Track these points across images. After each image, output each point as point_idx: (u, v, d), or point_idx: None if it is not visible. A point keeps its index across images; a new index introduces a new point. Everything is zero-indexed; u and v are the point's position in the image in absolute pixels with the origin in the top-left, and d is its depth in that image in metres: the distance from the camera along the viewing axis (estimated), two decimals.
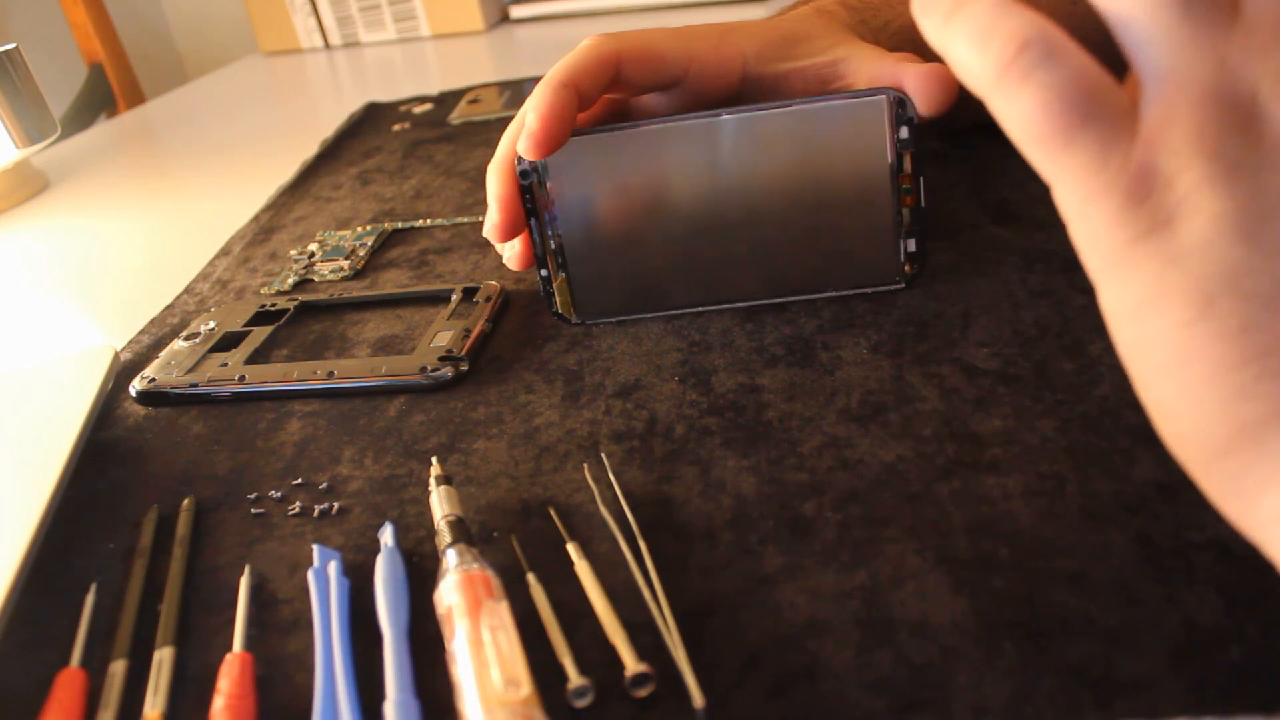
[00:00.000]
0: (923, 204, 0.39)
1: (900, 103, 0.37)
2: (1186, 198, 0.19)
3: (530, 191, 0.40)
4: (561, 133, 0.38)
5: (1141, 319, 0.21)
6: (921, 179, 0.38)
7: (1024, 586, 0.26)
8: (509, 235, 0.40)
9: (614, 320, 0.42)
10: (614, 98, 0.42)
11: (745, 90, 0.42)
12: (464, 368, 0.41)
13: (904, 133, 0.38)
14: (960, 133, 0.55)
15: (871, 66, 0.40)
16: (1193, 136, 0.19)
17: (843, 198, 0.39)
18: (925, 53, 0.41)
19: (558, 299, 0.42)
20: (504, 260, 0.43)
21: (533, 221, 0.40)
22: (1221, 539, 0.26)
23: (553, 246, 0.41)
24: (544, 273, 0.41)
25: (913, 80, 0.38)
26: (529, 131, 0.37)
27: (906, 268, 0.40)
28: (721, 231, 0.40)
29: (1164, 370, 0.21)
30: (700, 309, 0.42)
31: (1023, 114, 0.20)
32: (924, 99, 0.37)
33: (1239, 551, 0.26)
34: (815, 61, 0.41)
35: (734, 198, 0.39)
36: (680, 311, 0.42)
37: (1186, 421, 0.21)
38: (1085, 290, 0.39)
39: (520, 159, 0.39)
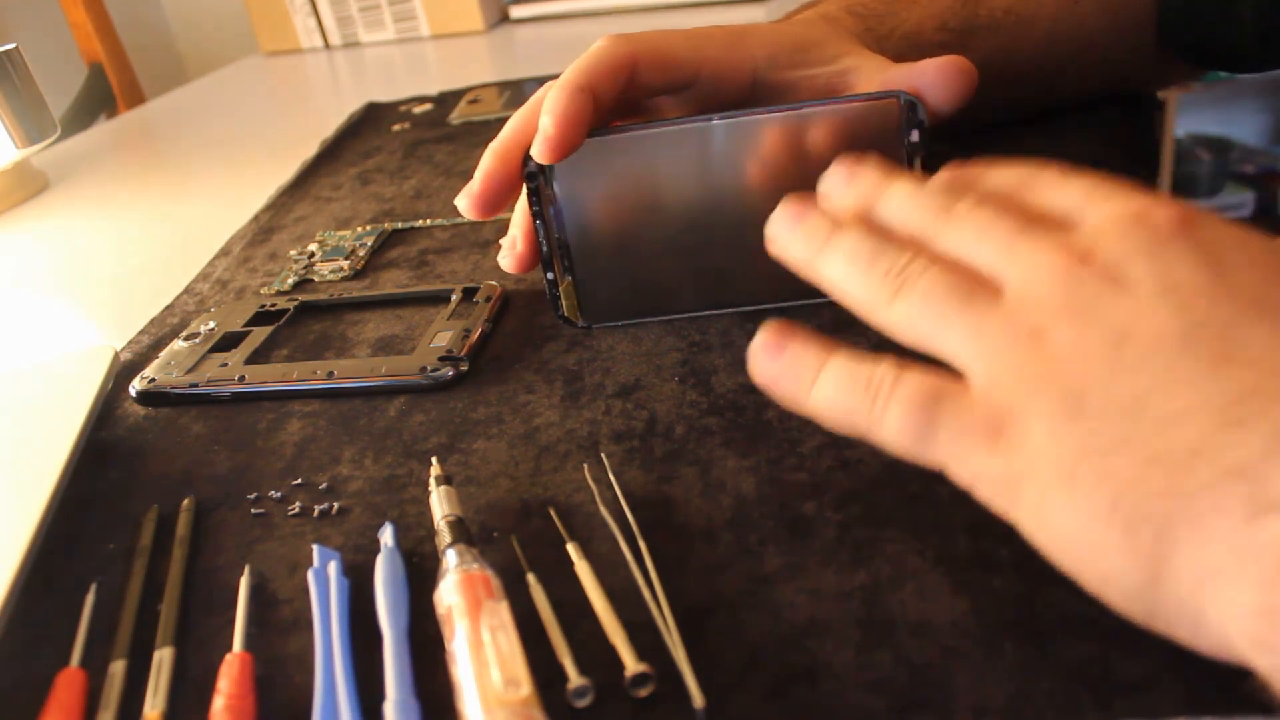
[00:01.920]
0: None
1: (911, 106, 0.37)
2: (1024, 416, 0.24)
3: (537, 193, 0.39)
4: (577, 137, 0.37)
5: (1043, 519, 0.24)
6: None
7: (1024, 586, 0.26)
8: (482, 210, 0.40)
9: (620, 324, 0.42)
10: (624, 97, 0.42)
11: (754, 95, 0.42)
12: (464, 368, 0.41)
13: (914, 136, 0.37)
14: (960, 133, 0.55)
15: (881, 76, 0.40)
16: (1007, 377, 0.25)
17: None
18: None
19: (564, 302, 0.42)
20: (501, 261, 0.43)
21: (539, 223, 0.40)
22: None
23: (559, 249, 0.41)
24: (550, 276, 0.41)
25: (933, 73, 0.37)
26: (544, 135, 0.37)
27: None
28: (729, 235, 0.40)
29: (1074, 551, 0.23)
30: (708, 313, 0.42)
31: (893, 441, 0.26)
32: (945, 90, 0.37)
33: None
34: (825, 70, 0.41)
35: (742, 201, 0.39)
36: (687, 316, 0.42)
37: (1115, 586, 0.23)
38: None
39: (528, 157, 0.39)
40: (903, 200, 0.29)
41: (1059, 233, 0.26)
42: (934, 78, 0.37)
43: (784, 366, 0.29)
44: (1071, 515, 0.23)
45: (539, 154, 0.37)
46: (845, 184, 0.31)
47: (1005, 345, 0.25)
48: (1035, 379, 0.24)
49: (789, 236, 0.31)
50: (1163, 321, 0.24)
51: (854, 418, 0.27)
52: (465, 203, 0.40)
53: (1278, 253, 0.25)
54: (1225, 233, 0.25)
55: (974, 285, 0.26)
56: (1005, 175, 0.29)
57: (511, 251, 0.43)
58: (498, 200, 0.40)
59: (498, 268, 0.50)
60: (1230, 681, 0.23)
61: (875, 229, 0.29)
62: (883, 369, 0.27)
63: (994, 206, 0.28)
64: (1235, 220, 0.26)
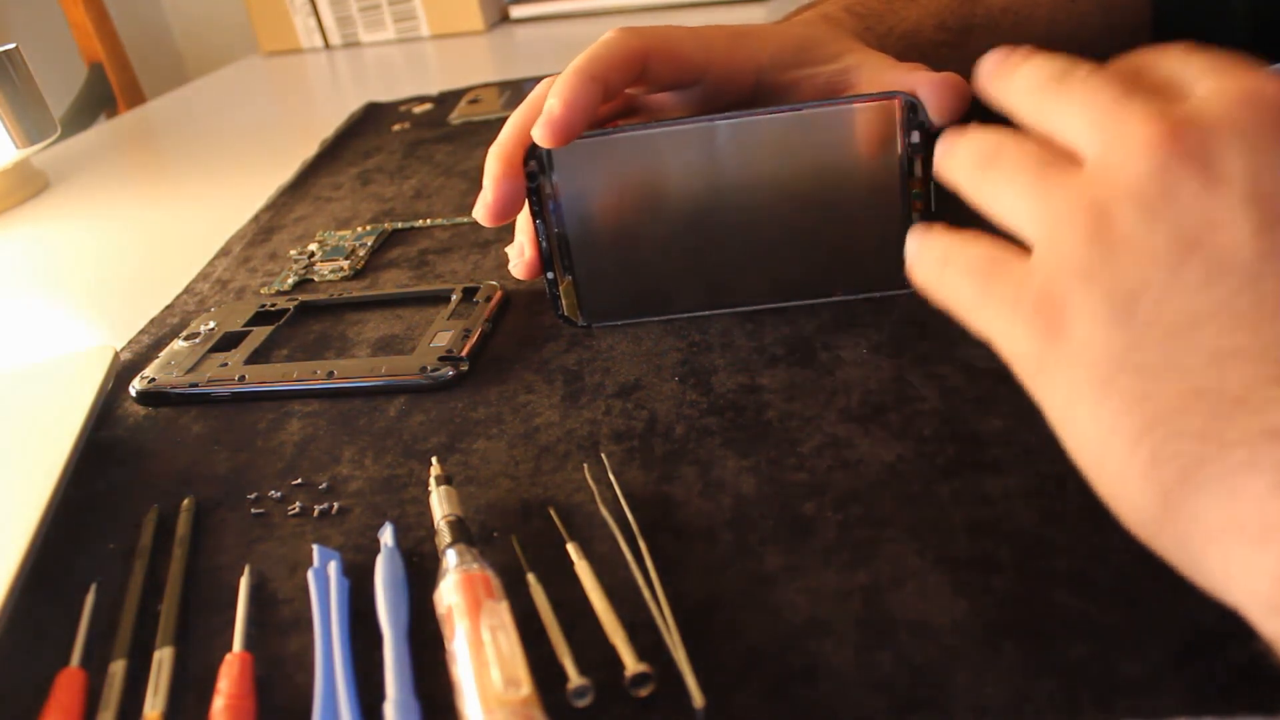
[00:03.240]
0: (933, 209, 0.39)
1: (912, 107, 0.37)
2: (1071, 305, 0.23)
3: (537, 193, 0.39)
4: (581, 123, 0.37)
5: (1069, 417, 0.23)
6: (933, 183, 0.38)
7: (1024, 586, 0.26)
8: (499, 217, 0.39)
9: (620, 323, 0.42)
10: (627, 92, 0.42)
11: (757, 95, 0.42)
12: (464, 368, 0.41)
13: (915, 137, 0.37)
14: None
15: (882, 75, 0.40)
16: (1063, 257, 0.24)
17: (853, 202, 0.39)
18: (930, 59, 0.42)
19: (564, 301, 0.42)
20: (511, 268, 0.43)
21: (539, 223, 0.40)
22: None
23: (559, 248, 0.41)
24: (550, 275, 0.41)
25: (926, 89, 0.37)
26: (550, 116, 0.36)
27: None
28: (730, 235, 0.40)
29: (1095, 457, 0.23)
30: (708, 313, 0.42)
31: (951, 301, 0.27)
32: (938, 108, 0.37)
33: None
34: (827, 69, 0.41)
35: (743, 201, 0.39)
36: (687, 315, 0.42)
37: (1124, 500, 0.22)
38: None
39: (529, 156, 0.39)
40: (1031, 71, 0.27)
41: (1161, 101, 0.24)
42: (926, 93, 0.37)
43: (912, 247, 0.29)
44: (1099, 424, 0.22)
45: (541, 136, 0.37)
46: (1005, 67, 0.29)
47: (1069, 219, 0.24)
48: (1089, 267, 0.23)
49: (941, 148, 0.29)
50: (1241, 237, 0.21)
51: (924, 277, 0.27)
52: (482, 212, 0.39)
53: None
54: None
55: (1057, 155, 0.25)
56: (1134, 55, 0.27)
57: (520, 258, 0.43)
58: (513, 205, 0.39)
59: (498, 268, 0.50)
60: (1230, 682, 0.23)
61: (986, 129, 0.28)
62: (961, 236, 0.26)
63: (1106, 76, 0.25)
64: None
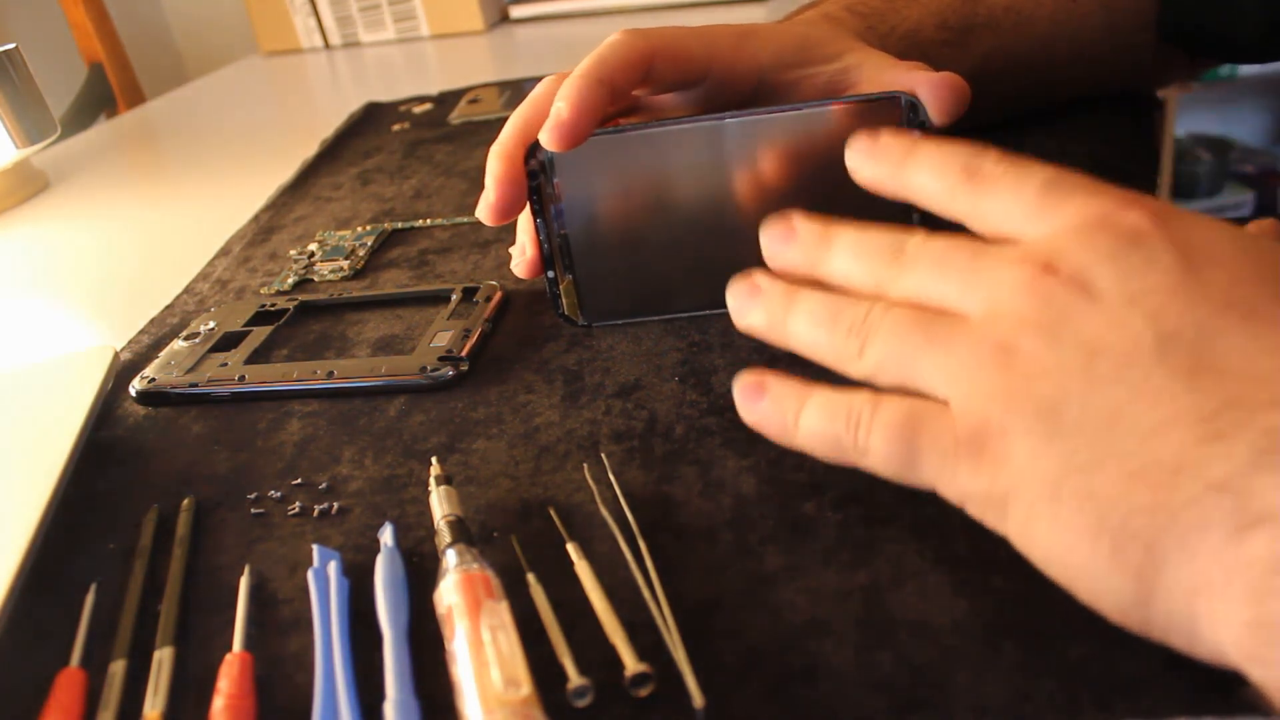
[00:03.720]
0: None
1: (912, 106, 0.37)
2: (1004, 434, 0.24)
3: (537, 192, 0.39)
4: (589, 127, 0.37)
5: (1031, 537, 0.24)
6: None
7: (1024, 586, 0.26)
8: (502, 217, 0.39)
9: (620, 323, 0.42)
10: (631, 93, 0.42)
11: (760, 95, 0.42)
12: (464, 368, 0.41)
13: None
14: (961, 133, 0.55)
15: (883, 74, 0.40)
16: (981, 395, 0.25)
17: (852, 202, 0.39)
18: (931, 58, 0.42)
19: (564, 300, 0.42)
20: (513, 267, 0.43)
21: (539, 222, 0.40)
22: None
23: (559, 248, 0.41)
24: (550, 274, 0.41)
25: (926, 89, 0.38)
26: (558, 120, 0.36)
27: None
28: (731, 234, 0.40)
29: (1067, 566, 0.23)
30: (708, 313, 0.42)
31: (880, 468, 0.27)
32: (937, 107, 0.37)
33: None
34: (828, 69, 0.41)
35: (744, 201, 0.39)
36: (687, 315, 0.42)
37: (1106, 599, 0.23)
38: None
39: (530, 155, 0.39)
40: (851, 250, 0.30)
41: (1018, 246, 0.26)
42: (926, 93, 0.37)
43: (768, 407, 0.29)
44: (1059, 533, 0.23)
45: (549, 140, 0.37)
46: (785, 242, 0.32)
47: (975, 364, 0.25)
48: (1009, 395, 0.24)
49: (749, 308, 0.31)
50: (1135, 332, 0.23)
51: (839, 448, 0.27)
52: (485, 212, 0.39)
53: (1248, 247, 0.24)
54: (1193, 230, 0.24)
55: (938, 316, 0.27)
56: (939, 162, 0.29)
57: (521, 257, 0.43)
58: (516, 204, 0.39)
59: (498, 268, 0.50)
60: (1230, 682, 0.23)
61: (831, 286, 0.30)
62: (861, 397, 0.27)
63: (945, 236, 0.28)
64: (1203, 216, 0.25)
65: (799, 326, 0.29)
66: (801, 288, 0.30)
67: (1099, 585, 0.23)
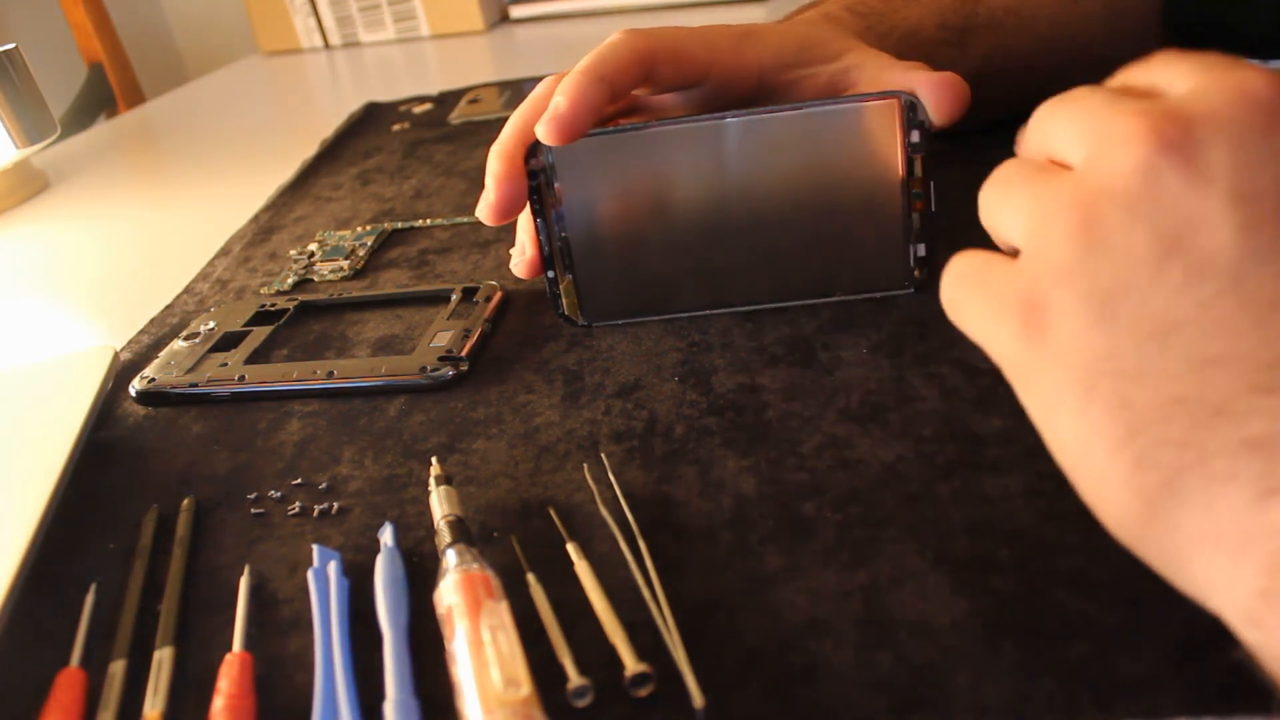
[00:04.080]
0: (933, 208, 0.39)
1: (912, 106, 0.37)
2: (1053, 307, 0.23)
3: (538, 192, 0.39)
4: (586, 123, 0.37)
5: (1050, 418, 0.23)
6: (932, 183, 0.38)
7: (1024, 586, 0.26)
8: (502, 217, 0.39)
9: (620, 323, 0.42)
10: (632, 93, 0.42)
11: (760, 95, 0.42)
12: (464, 368, 0.41)
13: (915, 136, 0.37)
14: (960, 133, 0.55)
15: (882, 74, 0.40)
16: (1048, 257, 0.23)
17: (853, 202, 0.39)
18: (931, 58, 0.42)
19: (564, 300, 0.42)
20: (513, 267, 0.43)
21: (539, 222, 0.40)
22: None
23: (559, 248, 0.41)
24: (550, 274, 0.41)
25: (925, 88, 0.37)
26: (556, 113, 0.36)
27: (916, 273, 0.40)
28: (730, 234, 0.40)
29: (1077, 461, 0.23)
30: (708, 313, 0.42)
31: (945, 302, 0.26)
32: (937, 107, 0.37)
33: None
34: (828, 69, 0.41)
35: (743, 200, 0.39)
36: (687, 315, 0.42)
37: (1107, 505, 0.22)
38: None
39: (530, 155, 0.39)
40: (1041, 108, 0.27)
41: (1148, 99, 0.23)
42: (926, 93, 0.37)
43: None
44: (1081, 429, 0.22)
45: (545, 133, 0.36)
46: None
47: (1055, 219, 0.23)
48: (1071, 268, 0.23)
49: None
50: (1224, 238, 0.21)
51: (944, 300, 0.27)
52: (485, 212, 0.39)
53: None
54: None
55: (1048, 161, 0.25)
56: (1128, 69, 0.27)
57: (521, 257, 0.43)
58: (516, 204, 0.39)
59: (498, 268, 0.50)
60: (1230, 682, 0.23)
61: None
62: (969, 254, 0.26)
63: (1097, 89, 0.25)
64: None
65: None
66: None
67: (1106, 493, 0.22)
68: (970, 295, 0.25)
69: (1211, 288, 0.21)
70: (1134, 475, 0.21)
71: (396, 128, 0.80)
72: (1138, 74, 0.26)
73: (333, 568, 0.30)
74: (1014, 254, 0.25)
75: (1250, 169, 0.21)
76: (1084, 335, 0.22)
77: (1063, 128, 0.25)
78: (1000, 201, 0.26)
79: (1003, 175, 0.26)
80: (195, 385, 0.42)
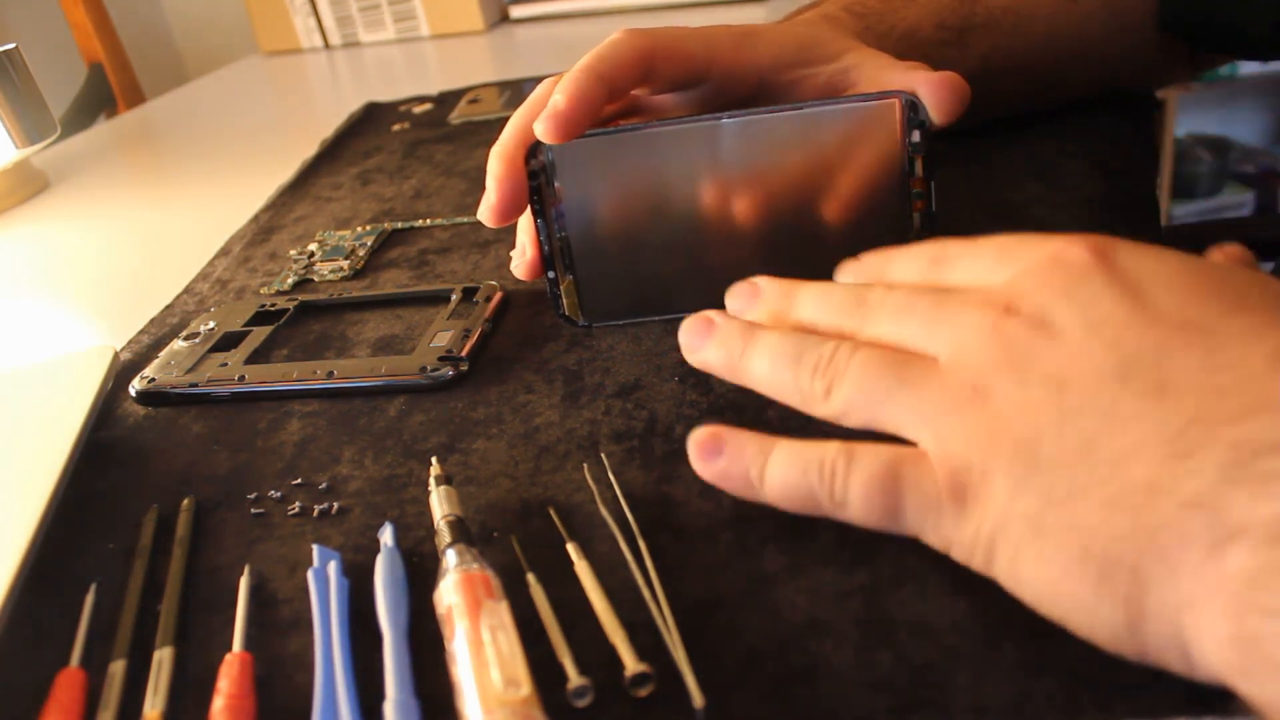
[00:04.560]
0: (934, 208, 0.39)
1: (912, 106, 0.37)
2: (984, 478, 0.25)
3: (538, 192, 0.39)
4: (585, 121, 0.37)
5: (1019, 576, 0.24)
6: (933, 183, 0.38)
7: None
8: (503, 218, 0.39)
9: (620, 323, 0.42)
10: (631, 93, 0.42)
11: (760, 95, 0.42)
12: (464, 368, 0.41)
13: (915, 136, 0.37)
14: (960, 133, 0.55)
15: (882, 74, 0.40)
16: (959, 440, 0.25)
17: (853, 201, 0.39)
18: (930, 58, 0.42)
19: (564, 300, 0.42)
20: (513, 269, 0.43)
21: (539, 222, 0.40)
22: None
23: (560, 248, 0.41)
24: (550, 274, 0.41)
25: (925, 88, 0.38)
26: (555, 111, 0.36)
27: None
28: (731, 234, 0.40)
29: (1057, 600, 0.24)
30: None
31: (860, 519, 0.27)
32: (937, 107, 0.37)
33: None
34: (827, 69, 0.41)
35: (744, 200, 0.39)
36: (688, 315, 0.42)
37: (1099, 629, 0.23)
38: None
39: (530, 155, 0.39)
40: (815, 301, 0.30)
41: (978, 292, 0.27)
42: (926, 93, 0.37)
43: (727, 463, 0.29)
44: (1045, 568, 0.23)
45: (544, 131, 0.36)
46: (750, 300, 0.32)
47: (950, 406, 0.26)
48: (986, 437, 0.25)
49: (704, 345, 0.31)
50: (1097, 361, 0.24)
51: (813, 501, 0.28)
52: (486, 213, 0.39)
53: (1196, 269, 0.25)
54: (1140, 259, 0.26)
55: (907, 358, 0.27)
56: (910, 258, 0.30)
57: (521, 258, 0.43)
58: (517, 205, 0.39)
59: (498, 268, 0.50)
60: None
61: (795, 326, 0.30)
62: (833, 448, 0.27)
63: (907, 287, 0.29)
64: (1147, 245, 0.26)
65: (759, 365, 0.30)
66: (761, 326, 0.31)
67: (1090, 616, 0.23)
68: (896, 502, 0.26)
69: (1106, 398, 0.24)
70: (1102, 584, 0.22)
71: (396, 128, 0.80)
72: (940, 267, 0.29)
73: (333, 568, 0.30)
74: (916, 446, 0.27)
75: (1089, 308, 0.25)
76: (1021, 485, 0.24)
77: (902, 327, 0.28)
78: (879, 403, 0.27)
79: (863, 375, 0.27)
80: (195, 385, 0.42)
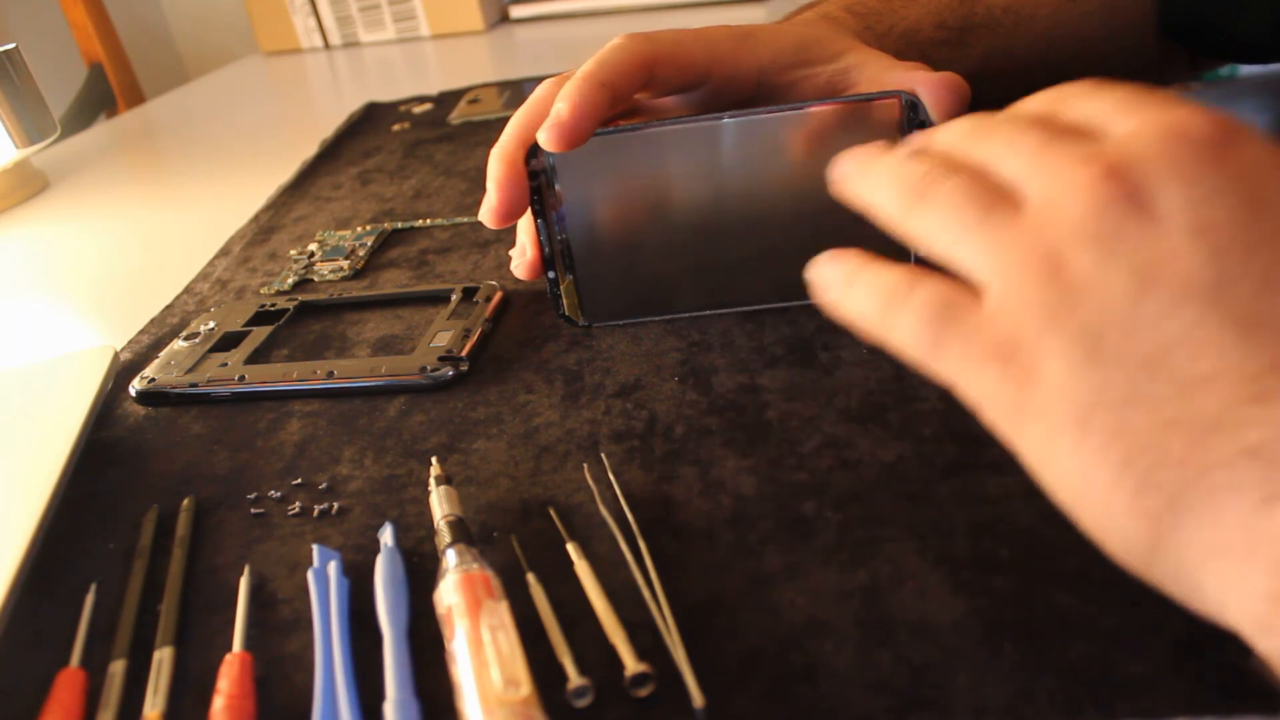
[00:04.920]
0: None
1: (913, 106, 0.37)
2: (1039, 350, 0.23)
3: (538, 193, 0.39)
4: (588, 129, 0.37)
5: (1047, 458, 0.23)
6: None
7: (1024, 586, 0.26)
8: (504, 220, 0.39)
9: (621, 323, 0.42)
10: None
11: (759, 96, 0.42)
12: (464, 368, 0.41)
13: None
14: None
15: (882, 74, 0.40)
16: (1022, 302, 0.23)
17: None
18: (930, 58, 0.42)
19: (565, 301, 0.42)
20: (513, 269, 0.43)
21: (540, 223, 0.40)
22: None
23: (560, 248, 0.41)
24: (551, 274, 0.41)
25: (926, 88, 0.38)
26: (559, 120, 0.36)
27: None
28: (731, 234, 0.40)
29: (1078, 495, 0.23)
30: (708, 313, 0.42)
31: (905, 347, 0.26)
32: (937, 107, 0.37)
33: None
34: (827, 69, 0.41)
35: (744, 201, 0.39)
36: (688, 315, 0.42)
37: (1113, 535, 0.22)
38: None
39: (531, 156, 0.39)
40: (943, 132, 0.28)
41: (1088, 143, 0.24)
42: (926, 92, 0.37)
43: (829, 271, 0.28)
44: (1080, 462, 0.22)
45: (547, 140, 0.36)
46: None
47: (1021, 265, 0.24)
48: (1051, 309, 0.23)
49: (852, 171, 0.29)
50: (1194, 267, 0.22)
51: (872, 322, 0.26)
52: (487, 215, 0.39)
53: None
54: (1271, 163, 0.23)
55: (996, 196, 0.25)
56: (1041, 97, 0.27)
57: (521, 258, 0.43)
58: (518, 207, 0.39)
59: (498, 268, 0.50)
60: (1230, 682, 0.23)
61: (914, 153, 0.28)
62: (901, 273, 0.26)
63: (1025, 120, 0.26)
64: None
65: (872, 180, 0.28)
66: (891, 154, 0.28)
67: (1111, 523, 0.22)
68: (940, 338, 0.25)
69: (1192, 312, 0.22)
70: (1137, 500, 0.22)
71: (396, 128, 0.80)
72: (1066, 104, 0.26)
73: (333, 568, 0.30)
74: (933, 268, 0.25)
75: (1201, 204, 0.22)
76: (1076, 373, 0.22)
77: (1004, 158, 0.26)
78: (955, 237, 0.25)
79: (941, 190, 0.26)
80: (195, 385, 0.42)
